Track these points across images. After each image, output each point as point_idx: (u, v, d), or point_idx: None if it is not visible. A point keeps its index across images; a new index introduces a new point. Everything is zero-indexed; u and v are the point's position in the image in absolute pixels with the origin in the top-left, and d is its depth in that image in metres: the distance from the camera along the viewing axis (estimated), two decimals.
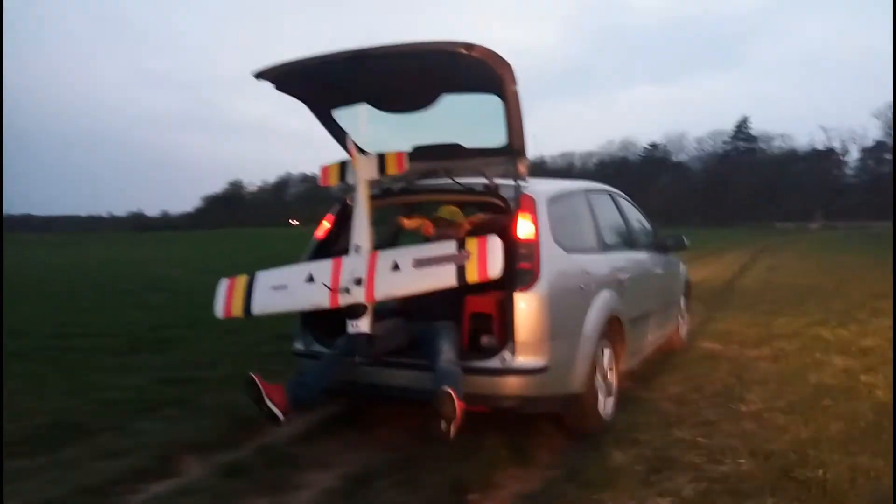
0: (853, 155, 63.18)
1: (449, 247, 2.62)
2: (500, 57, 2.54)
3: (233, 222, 61.71)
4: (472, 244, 2.57)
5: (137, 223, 73.42)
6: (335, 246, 3.28)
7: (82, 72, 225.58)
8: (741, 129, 67.89)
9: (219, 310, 2.72)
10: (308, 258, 3.19)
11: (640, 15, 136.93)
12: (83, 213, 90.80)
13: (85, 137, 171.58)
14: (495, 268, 2.48)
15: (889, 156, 55.14)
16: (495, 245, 2.53)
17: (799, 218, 51.02)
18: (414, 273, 2.57)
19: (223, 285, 2.77)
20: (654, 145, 71.29)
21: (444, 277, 2.53)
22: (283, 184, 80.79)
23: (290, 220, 55.85)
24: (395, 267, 2.58)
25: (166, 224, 69.17)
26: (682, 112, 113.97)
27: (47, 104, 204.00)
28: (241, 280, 2.76)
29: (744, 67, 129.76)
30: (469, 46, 2.43)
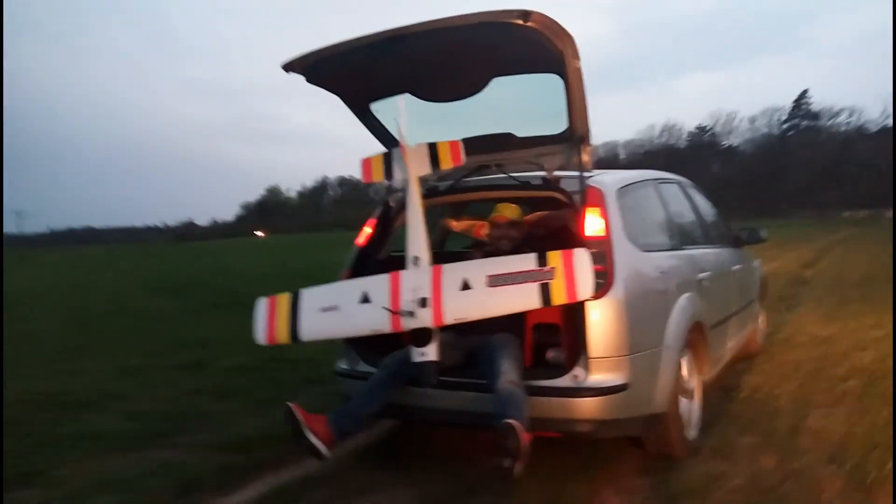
0: None
1: (527, 261, 2.24)
2: (561, 27, 2.18)
3: (269, 229, 62.37)
4: (554, 258, 2.19)
5: (188, 232, 75.84)
6: (377, 254, 2.99)
7: (133, 86, 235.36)
8: (800, 103, 62.05)
9: (260, 335, 2.37)
10: (349, 267, 2.90)
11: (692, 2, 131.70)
12: (139, 223, 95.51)
13: (144, 150, 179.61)
14: (586, 288, 2.13)
15: None
16: (583, 260, 2.16)
17: (871, 205, 43.77)
18: (488, 293, 2.20)
19: (262, 306, 2.41)
20: (701, 128, 67.35)
21: (525, 298, 2.17)
22: (320, 188, 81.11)
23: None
24: (466, 285, 2.22)
25: (210, 233, 71.23)
26: (738, 99, 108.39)
27: (105, 120, 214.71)
28: (283, 300, 2.39)
29: (805, 50, 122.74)
30: (525, 15, 2.08)
